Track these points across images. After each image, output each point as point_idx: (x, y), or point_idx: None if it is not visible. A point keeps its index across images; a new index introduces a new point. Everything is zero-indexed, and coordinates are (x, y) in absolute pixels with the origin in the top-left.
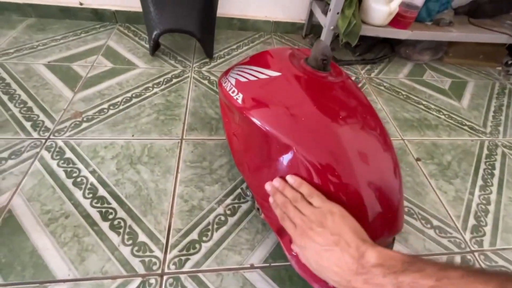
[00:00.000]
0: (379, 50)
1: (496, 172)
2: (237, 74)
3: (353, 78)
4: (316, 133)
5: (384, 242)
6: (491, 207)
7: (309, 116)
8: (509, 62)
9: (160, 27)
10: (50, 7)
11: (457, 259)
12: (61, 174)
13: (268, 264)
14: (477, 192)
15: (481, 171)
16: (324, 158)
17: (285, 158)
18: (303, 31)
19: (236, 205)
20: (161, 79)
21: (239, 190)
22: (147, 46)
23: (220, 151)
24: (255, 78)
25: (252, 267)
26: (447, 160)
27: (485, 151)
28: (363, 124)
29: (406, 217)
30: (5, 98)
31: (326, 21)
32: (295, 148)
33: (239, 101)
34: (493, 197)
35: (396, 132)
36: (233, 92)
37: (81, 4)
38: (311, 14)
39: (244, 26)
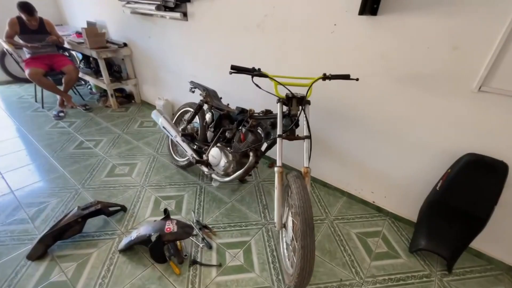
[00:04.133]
0: None
1: None
2: None
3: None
4: None
5: None
6: None
7: None
8: None
9: (421, 244)
10: (356, 197)
11: None
12: None
13: None
14: None
15: None
16: None
17: None
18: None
19: None
20: (409, 274)
21: None
22: (407, 243)
23: None
24: None
25: None
26: None
27: None
28: None
29: None
30: (339, 249)
31: None
32: None
33: None
34: None
35: None
36: None
37: (373, 202)
38: None
39: None
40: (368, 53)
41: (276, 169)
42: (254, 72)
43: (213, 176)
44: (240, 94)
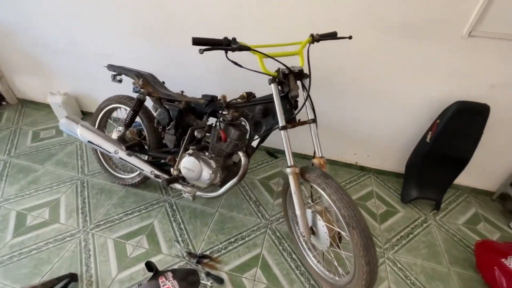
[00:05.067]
0: None
1: None
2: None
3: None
4: None
5: None
6: None
7: None
8: None
9: (413, 194)
10: (338, 162)
11: None
12: None
13: None
14: None
15: None
16: None
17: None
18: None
19: None
20: (412, 225)
21: None
22: (397, 194)
23: None
24: None
25: None
26: None
27: None
28: None
29: None
30: None
31: None
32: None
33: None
34: None
35: None
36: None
37: (356, 162)
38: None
39: None
40: (354, 2)
41: (289, 170)
42: (232, 46)
43: (199, 193)
44: (182, 73)
